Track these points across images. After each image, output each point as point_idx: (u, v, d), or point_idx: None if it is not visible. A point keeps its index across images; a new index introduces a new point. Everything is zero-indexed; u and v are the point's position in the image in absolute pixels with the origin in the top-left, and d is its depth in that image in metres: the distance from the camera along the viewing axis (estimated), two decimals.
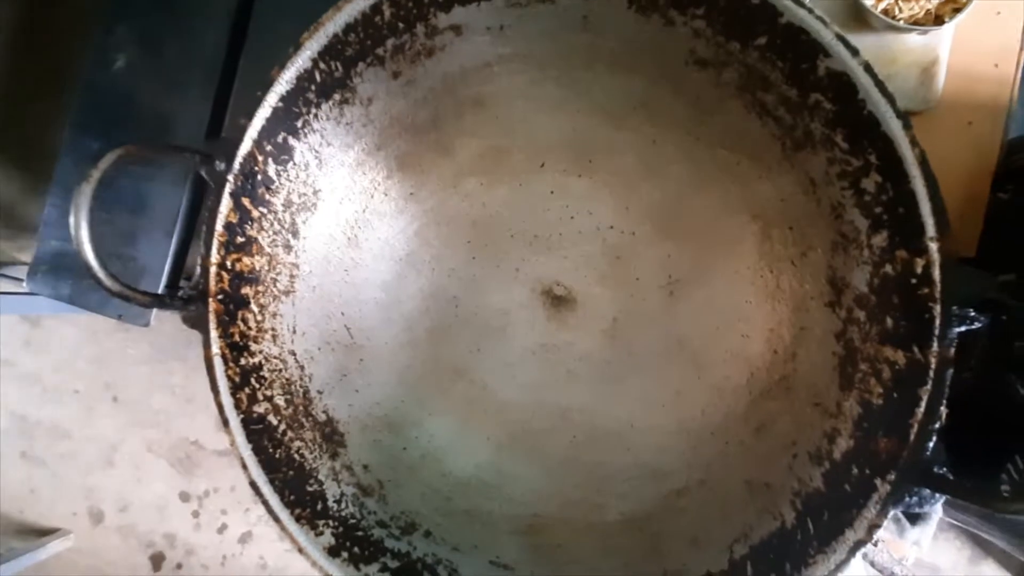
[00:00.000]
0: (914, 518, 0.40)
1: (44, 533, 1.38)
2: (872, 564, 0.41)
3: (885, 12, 0.43)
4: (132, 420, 1.32)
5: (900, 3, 0.43)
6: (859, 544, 0.22)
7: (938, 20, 0.43)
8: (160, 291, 0.62)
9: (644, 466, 0.31)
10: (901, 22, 0.42)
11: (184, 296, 0.26)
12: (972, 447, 0.37)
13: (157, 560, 1.31)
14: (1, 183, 1.01)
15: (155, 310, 0.66)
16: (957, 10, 0.42)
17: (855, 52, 0.21)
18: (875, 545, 0.43)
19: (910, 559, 0.46)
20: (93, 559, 1.35)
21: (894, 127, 0.21)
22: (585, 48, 0.28)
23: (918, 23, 0.43)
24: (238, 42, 0.62)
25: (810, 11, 0.22)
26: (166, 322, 0.64)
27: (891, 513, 0.21)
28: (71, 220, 0.22)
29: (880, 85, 0.21)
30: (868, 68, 0.21)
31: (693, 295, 0.33)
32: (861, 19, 0.44)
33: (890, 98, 0.21)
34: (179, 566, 1.31)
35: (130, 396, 1.33)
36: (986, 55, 0.46)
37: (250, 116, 0.26)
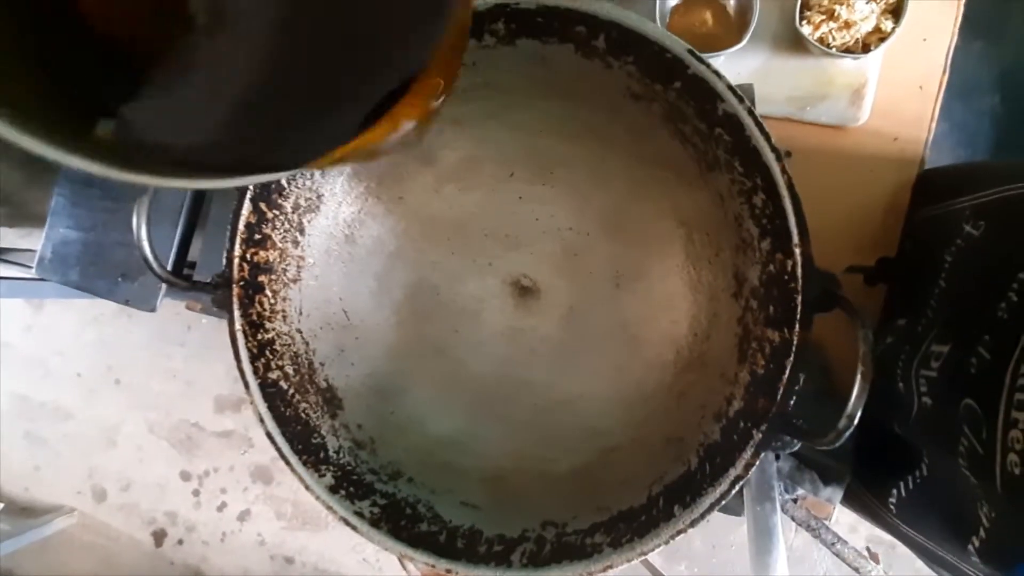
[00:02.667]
0: (828, 478, 0.47)
1: (48, 511, 1.41)
2: (792, 518, 0.48)
3: (820, 40, 0.49)
4: (133, 402, 1.36)
5: (834, 32, 0.49)
6: (738, 478, 0.28)
7: (866, 48, 0.49)
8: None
9: (588, 428, 0.38)
10: (834, 49, 0.48)
11: (214, 283, 0.32)
12: (880, 453, 0.43)
13: (159, 536, 1.37)
14: (6, 173, 1.05)
15: (162, 296, 0.72)
16: (882, 39, 0.48)
17: (741, 99, 0.28)
18: (795, 502, 0.50)
19: (832, 518, 0.53)
20: (96, 536, 1.40)
21: (770, 158, 0.27)
22: (543, 81, 0.34)
23: (849, 50, 0.49)
24: None
25: (708, 66, 0.28)
26: (166, 308, 0.69)
27: (762, 455, 0.28)
28: (133, 223, 0.28)
29: (760, 125, 0.27)
30: (751, 112, 0.27)
31: (634, 287, 0.40)
32: (802, 46, 0.50)
33: (767, 135, 0.27)
34: (180, 542, 1.36)
35: (131, 379, 1.37)
36: (912, 78, 0.52)
37: None
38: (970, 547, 0.32)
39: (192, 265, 0.71)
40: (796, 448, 0.27)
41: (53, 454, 1.38)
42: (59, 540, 1.37)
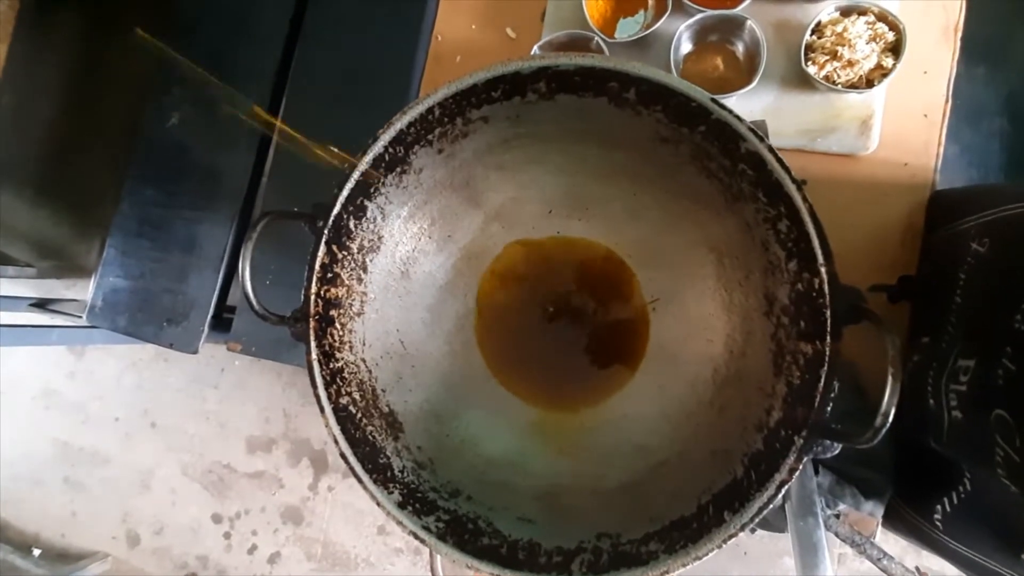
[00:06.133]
0: (868, 492, 0.48)
1: (83, 556, 1.43)
2: (836, 534, 0.49)
3: (827, 79, 0.53)
4: (168, 445, 1.39)
5: (838, 71, 0.53)
6: (783, 483, 0.30)
7: (869, 83, 0.53)
8: (208, 321, 0.73)
9: (636, 445, 0.40)
10: (840, 86, 0.52)
11: (294, 317, 0.36)
12: (919, 470, 0.44)
13: None
14: (54, 228, 1.13)
15: (203, 339, 0.77)
16: (884, 75, 0.52)
17: (762, 139, 0.31)
18: (837, 518, 0.51)
19: (876, 535, 0.53)
20: None
21: (791, 189, 0.31)
22: (580, 129, 0.39)
23: (854, 86, 0.53)
24: (277, 102, 0.74)
25: (730, 112, 0.32)
26: (201, 352, 0.74)
27: (805, 460, 0.30)
28: (239, 266, 0.32)
29: (780, 161, 0.31)
30: (771, 149, 0.31)
31: (670, 310, 0.42)
32: (809, 84, 0.54)
33: (787, 169, 0.31)
34: None
35: (167, 422, 1.41)
36: (917, 107, 0.56)
37: (340, 187, 0.37)
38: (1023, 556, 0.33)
39: (232, 309, 0.76)
40: (836, 451, 0.29)
41: (90, 499, 1.40)
42: None
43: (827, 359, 0.30)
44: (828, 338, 0.30)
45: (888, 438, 0.50)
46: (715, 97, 0.32)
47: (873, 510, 0.47)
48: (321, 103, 0.70)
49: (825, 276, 0.30)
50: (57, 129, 0.98)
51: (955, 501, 0.41)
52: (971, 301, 0.40)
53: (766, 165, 0.31)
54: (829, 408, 0.30)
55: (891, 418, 0.24)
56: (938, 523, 0.42)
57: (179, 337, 0.75)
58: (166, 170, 0.77)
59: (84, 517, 1.42)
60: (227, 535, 1.35)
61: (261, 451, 1.36)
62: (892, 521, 0.49)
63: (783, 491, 0.30)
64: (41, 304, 1.23)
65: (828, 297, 0.30)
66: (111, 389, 1.43)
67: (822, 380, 0.30)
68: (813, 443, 0.30)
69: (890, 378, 0.24)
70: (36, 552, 1.42)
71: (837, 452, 0.29)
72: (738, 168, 0.34)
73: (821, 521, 0.44)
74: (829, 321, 0.30)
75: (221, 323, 0.76)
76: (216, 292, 0.74)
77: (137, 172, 0.78)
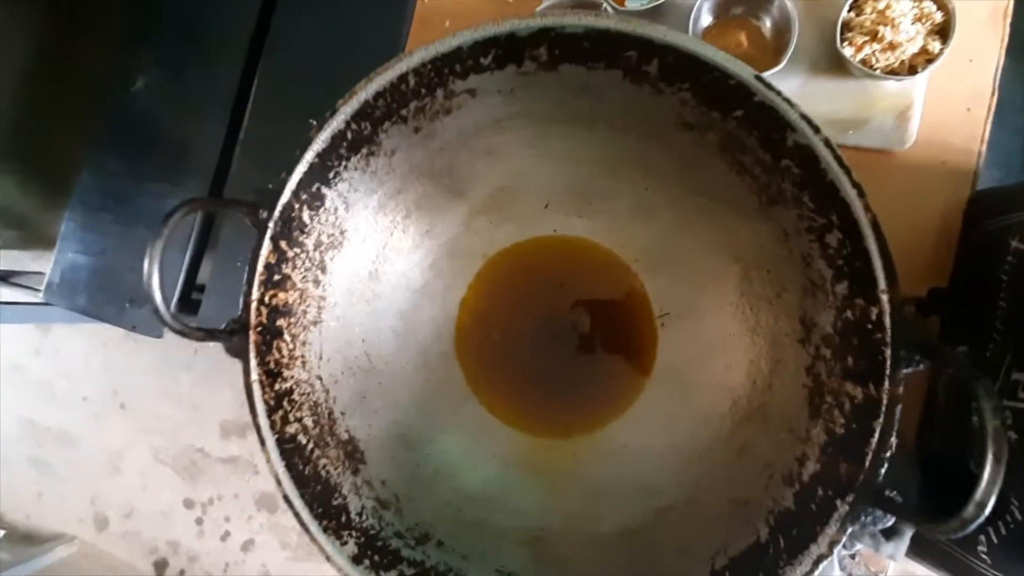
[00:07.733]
0: (889, 533, 0.43)
1: (49, 539, 1.39)
2: None
3: (863, 62, 0.46)
4: (139, 427, 1.34)
5: (877, 54, 0.47)
6: (822, 557, 0.25)
7: (912, 69, 0.46)
8: (174, 302, 0.66)
9: (638, 484, 0.35)
10: (878, 71, 0.46)
11: (229, 329, 0.29)
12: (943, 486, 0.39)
13: (160, 566, 1.34)
14: (20, 196, 1.05)
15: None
16: (929, 61, 0.46)
17: (817, 129, 0.25)
18: (853, 558, 0.46)
19: (888, 572, 0.49)
20: (97, 565, 1.37)
21: (851, 195, 0.25)
22: (586, 110, 0.32)
23: (894, 72, 0.46)
24: (251, 71, 0.66)
25: (778, 93, 0.25)
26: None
27: (848, 530, 0.25)
28: (145, 269, 0.25)
29: (839, 158, 0.25)
30: (828, 143, 0.25)
31: (682, 327, 0.36)
32: (843, 67, 0.47)
33: (847, 169, 0.25)
34: (182, 573, 1.33)
35: (137, 404, 1.36)
36: (959, 99, 0.49)
37: (290, 171, 0.30)
38: None
39: (201, 288, 0.70)
40: (889, 524, 0.24)
41: (57, 480, 1.36)
42: (59, 570, 1.34)
43: (883, 408, 0.24)
44: (886, 382, 0.24)
45: (914, 462, 0.45)
46: (760, 75, 0.25)
47: (894, 552, 0.42)
48: (298, 71, 0.64)
49: (887, 306, 0.24)
50: (26, 93, 0.91)
51: (1003, 532, 0.36)
52: (1019, 304, 0.35)
53: (819, 163, 0.25)
54: (884, 469, 0.24)
55: (988, 510, 0.19)
56: (984, 556, 0.38)
57: (143, 320, 0.69)
58: (131, 138, 0.70)
59: (51, 498, 1.38)
60: (199, 521, 1.31)
61: (236, 436, 1.31)
62: (924, 554, 0.45)
63: (820, 568, 0.24)
64: (3, 277, 1.16)
65: (889, 332, 0.24)
66: (79, 368, 1.38)
67: (876, 434, 0.24)
68: (861, 511, 0.24)
69: (990, 457, 0.19)
70: (0, 533, 1.37)
71: (890, 525, 0.23)
72: (781, 164, 0.27)
73: (836, 565, 0.39)
74: (889, 362, 0.24)
75: (188, 304, 0.70)
76: (184, 272, 0.68)
77: (99, 139, 0.71)
